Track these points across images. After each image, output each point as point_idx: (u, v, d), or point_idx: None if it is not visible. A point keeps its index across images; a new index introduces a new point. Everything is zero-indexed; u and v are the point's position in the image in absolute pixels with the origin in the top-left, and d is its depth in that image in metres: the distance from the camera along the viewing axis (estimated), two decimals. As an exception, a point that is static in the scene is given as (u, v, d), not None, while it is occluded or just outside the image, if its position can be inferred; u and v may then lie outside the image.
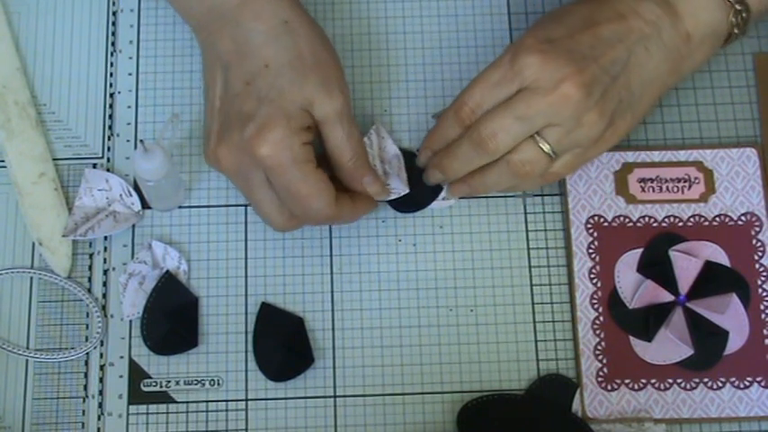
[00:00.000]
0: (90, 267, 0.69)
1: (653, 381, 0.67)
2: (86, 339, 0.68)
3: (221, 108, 0.64)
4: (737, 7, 0.65)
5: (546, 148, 0.63)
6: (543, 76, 0.61)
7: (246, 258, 0.69)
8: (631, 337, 0.68)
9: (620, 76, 0.63)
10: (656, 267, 0.68)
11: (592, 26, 0.63)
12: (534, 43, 0.63)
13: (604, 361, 0.67)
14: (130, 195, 0.70)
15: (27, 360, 0.68)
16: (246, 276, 0.69)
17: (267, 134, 0.61)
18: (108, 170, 0.71)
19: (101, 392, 0.67)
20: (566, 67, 0.61)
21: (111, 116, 0.72)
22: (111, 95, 0.73)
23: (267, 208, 0.64)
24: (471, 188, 0.68)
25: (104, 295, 0.69)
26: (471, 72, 0.71)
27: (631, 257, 0.69)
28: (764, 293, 0.68)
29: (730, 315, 0.67)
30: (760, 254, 0.69)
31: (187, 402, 0.67)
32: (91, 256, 0.69)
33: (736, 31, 0.66)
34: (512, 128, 0.63)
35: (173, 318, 0.67)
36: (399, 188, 0.69)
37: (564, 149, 0.64)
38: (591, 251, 0.69)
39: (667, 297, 0.67)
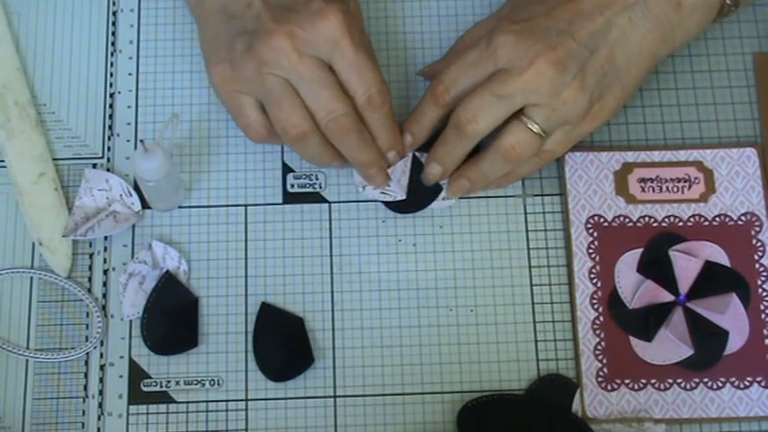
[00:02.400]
0: (90, 267, 0.69)
1: (653, 381, 0.67)
2: (86, 339, 0.68)
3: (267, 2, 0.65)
4: None
5: (535, 128, 0.63)
6: (516, 54, 0.62)
7: (246, 258, 0.69)
8: (631, 337, 0.68)
9: (601, 48, 0.63)
10: (656, 267, 0.68)
11: (572, 0, 0.64)
12: (509, 24, 0.63)
13: (604, 361, 0.67)
14: (130, 195, 0.70)
15: (27, 360, 0.68)
16: (246, 276, 0.69)
17: (334, 4, 0.63)
18: (108, 170, 0.71)
19: (101, 392, 0.67)
20: (538, 44, 0.62)
21: (111, 116, 0.72)
22: (111, 95, 0.73)
23: (324, 99, 0.64)
24: (470, 181, 0.68)
25: (104, 295, 0.69)
26: (471, 72, 0.71)
27: (631, 257, 0.69)
28: (764, 293, 0.68)
29: (730, 315, 0.67)
30: (760, 254, 0.69)
31: (187, 402, 0.67)
32: (91, 256, 0.69)
33: (728, 2, 0.66)
34: (491, 108, 0.63)
35: (173, 318, 0.67)
36: (397, 193, 0.69)
37: (552, 127, 0.64)
38: (591, 251, 0.69)
39: (667, 297, 0.67)
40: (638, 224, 0.69)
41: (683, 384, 0.67)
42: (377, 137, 0.67)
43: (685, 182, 0.70)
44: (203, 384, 0.67)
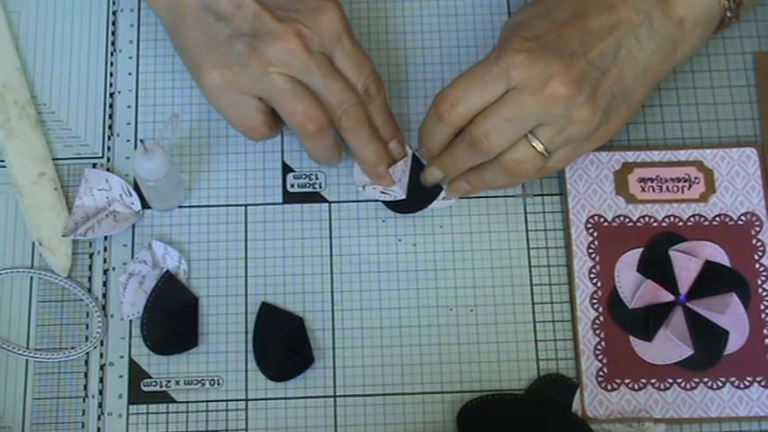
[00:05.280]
0: (90, 267, 0.69)
1: (653, 381, 0.67)
2: (86, 339, 0.68)
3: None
4: None
5: (539, 147, 0.63)
6: (530, 75, 0.61)
7: (246, 258, 0.69)
8: (631, 337, 0.68)
9: (611, 69, 0.63)
10: (656, 267, 0.68)
11: (580, 19, 0.63)
12: (520, 42, 0.62)
13: (604, 361, 0.67)
14: (130, 195, 0.70)
15: (27, 360, 0.68)
16: (246, 276, 0.69)
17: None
18: (108, 170, 0.71)
19: (101, 392, 0.67)
20: (552, 65, 0.61)
21: (111, 116, 0.72)
22: (111, 95, 0.73)
23: (336, 90, 0.65)
24: (471, 185, 0.68)
25: (104, 295, 0.69)
26: (471, 72, 0.71)
27: (631, 257, 0.69)
28: (764, 293, 0.68)
29: (730, 315, 0.67)
30: (760, 254, 0.69)
31: (187, 402, 0.67)
32: (91, 255, 0.69)
33: (728, 14, 0.66)
34: (504, 129, 0.62)
35: (173, 318, 0.67)
36: (397, 192, 0.69)
37: (557, 147, 0.64)
38: (591, 251, 0.69)
39: (667, 297, 0.67)
40: (638, 224, 0.69)
41: (683, 384, 0.67)
42: (376, 128, 0.68)
43: (685, 182, 0.70)
44: (203, 384, 0.67)
